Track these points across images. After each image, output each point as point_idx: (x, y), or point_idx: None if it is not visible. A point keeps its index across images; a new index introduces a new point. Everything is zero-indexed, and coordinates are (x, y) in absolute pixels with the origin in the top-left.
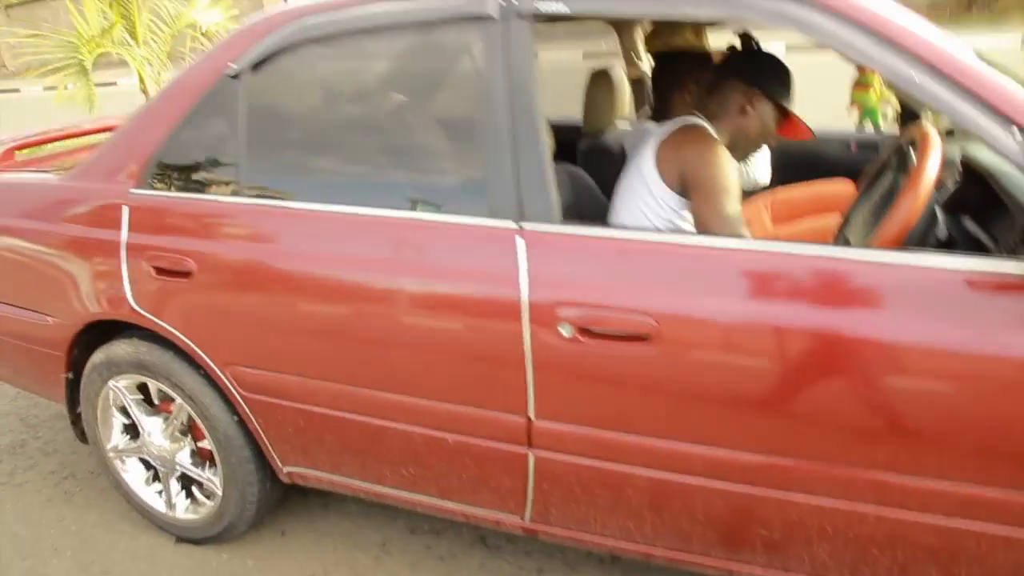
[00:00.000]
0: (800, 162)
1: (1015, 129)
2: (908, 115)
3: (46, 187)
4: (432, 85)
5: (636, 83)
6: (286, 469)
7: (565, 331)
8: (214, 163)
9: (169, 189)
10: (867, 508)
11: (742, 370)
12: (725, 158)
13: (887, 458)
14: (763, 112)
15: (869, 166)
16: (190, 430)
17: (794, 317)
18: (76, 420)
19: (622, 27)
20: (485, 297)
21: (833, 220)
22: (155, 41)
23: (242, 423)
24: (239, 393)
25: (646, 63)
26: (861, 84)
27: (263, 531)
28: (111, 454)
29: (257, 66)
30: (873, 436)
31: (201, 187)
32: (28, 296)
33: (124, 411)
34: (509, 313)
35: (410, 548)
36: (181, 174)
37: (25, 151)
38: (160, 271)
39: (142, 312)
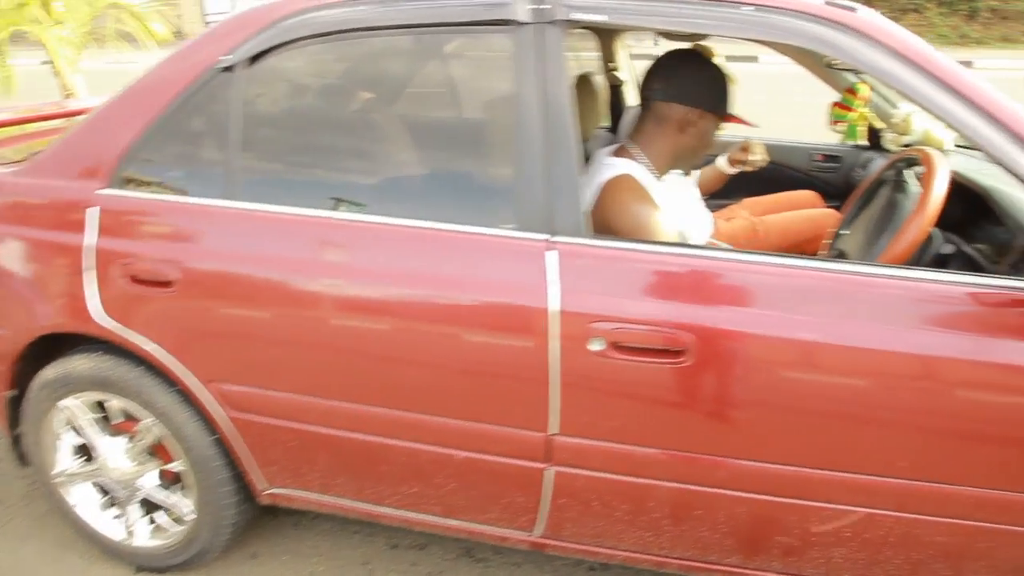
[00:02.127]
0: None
1: None
2: (874, 133)
3: None
4: (454, 89)
5: (614, 90)
6: (269, 490)
7: (596, 346)
8: (200, 162)
9: (145, 190)
10: (885, 512)
11: (772, 383)
12: (634, 209)
13: (907, 465)
14: (705, 127)
15: (861, 183)
16: (156, 452)
17: (818, 331)
18: (16, 441)
19: (604, 34)
20: (512, 312)
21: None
22: (73, 20)
23: (220, 443)
24: (224, 412)
25: (624, 71)
26: (843, 106)
27: (232, 555)
28: (60, 479)
29: (255, 59)
30: (895, 443)
31: (184, 189)
32: None
33: (77, 432)
34: (537, 328)
35: (395, 566)
36: (160, 174)
37: None
38: (136, 280)
39: (110, 324)
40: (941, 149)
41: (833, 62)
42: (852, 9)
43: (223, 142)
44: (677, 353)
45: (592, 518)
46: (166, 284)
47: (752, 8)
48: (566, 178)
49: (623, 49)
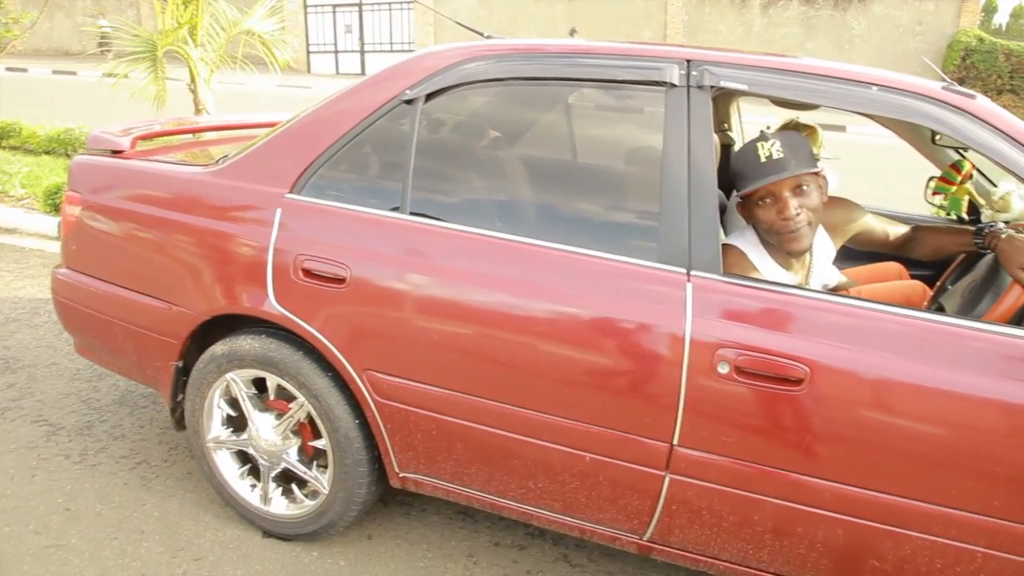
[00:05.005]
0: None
1: None
2: (973, 208)
3: (193, 180)
4: (608, 136)
5: (725, 149)
6: (401, 474)
7: (722, 369)
8: (378, 178)
9: (327, 198)
10: (977, 548)
11: (879, 418)
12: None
13: (1000, 505)
14: (751, 210)
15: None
16: (299, 429)
17: (928, 377)
18: (175, 408)
19: (719, 97)
20: (651, 334)
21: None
22: (211, 43)
23: (363, 426)
24: (372, 398)
25: (736, 132)
26: (946, 180)
27: (350, 534)
28: (210, 444)
29: (433, 95)
30: (990, 485)
31: (362, 199)
32: (151, 283)
33: (233, 403)
34: (672, 349)
35: (497, 561)
36: (341, 185)
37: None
38: (309, 275)
39: (282, 311)
40: None
41: (939, 139)
42: (972, 96)
43: (397, 163)
44: (795, 382)
45: (700, 527)
46: (338, 281)
47: (878, 88)
48: (705, 221)
49: (735, 112)
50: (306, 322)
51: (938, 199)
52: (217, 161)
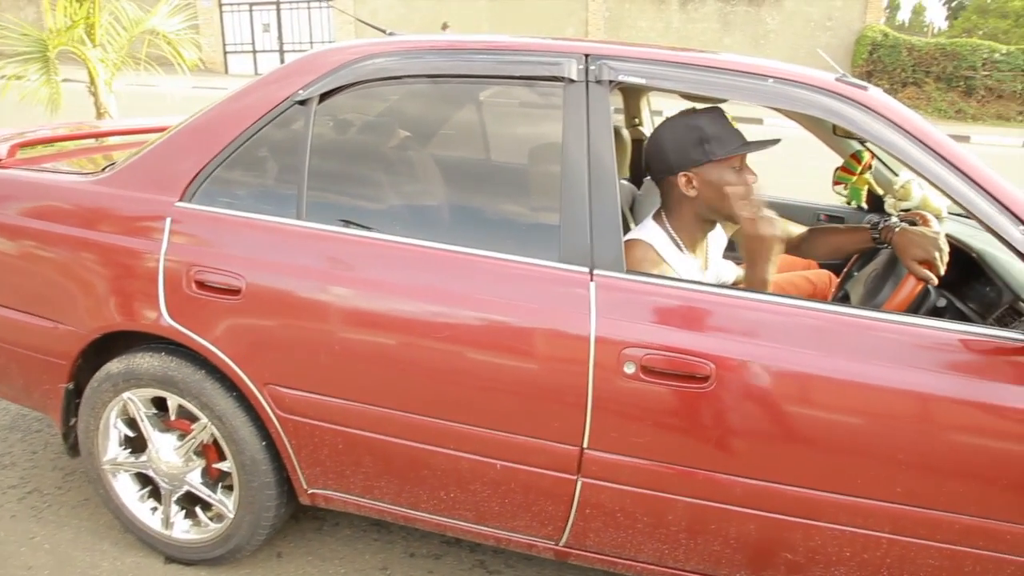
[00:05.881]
0: None
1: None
2: (876, 198)
3: (75, 189)
4: (507, 134)
5: (637, 144)
6: (310, 491)
7: (629, 369)
8: (271, 183)
9: (219, 205)
10: (882, 534)
11: (784, 411)
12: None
13: (903, 491)
14: (708, 179)
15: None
16: (203, 450)
17: (833, 368)
18: (67, 433)
19: (630, 92)
20: (555, 337)
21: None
22: (111, 44)
23: (270, 447)
24: (275, 413)
25: (647, 126)
26: (847, 169)
27: (259, 553)
28: (107, 467)
29: (328, 95)
30: (894, 472)
31: (256, 206)
32: (33, 301)
33: (131, 423)
34: (577, 352)
35: (412, 573)
36: (234, 191)
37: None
38: (203, 286)
39: (176, 326)
40: (938, 216)
41: (839, 130)
42: (863, 88)
43: (292, 166)
44: (701, 379)
45: (615, 529)
46: (233, 292)
47: (774, 81)
48: (607, 218)
49: (646, 106)
50: (201, 336)
51: (840, 189)
52: (103, 169)
